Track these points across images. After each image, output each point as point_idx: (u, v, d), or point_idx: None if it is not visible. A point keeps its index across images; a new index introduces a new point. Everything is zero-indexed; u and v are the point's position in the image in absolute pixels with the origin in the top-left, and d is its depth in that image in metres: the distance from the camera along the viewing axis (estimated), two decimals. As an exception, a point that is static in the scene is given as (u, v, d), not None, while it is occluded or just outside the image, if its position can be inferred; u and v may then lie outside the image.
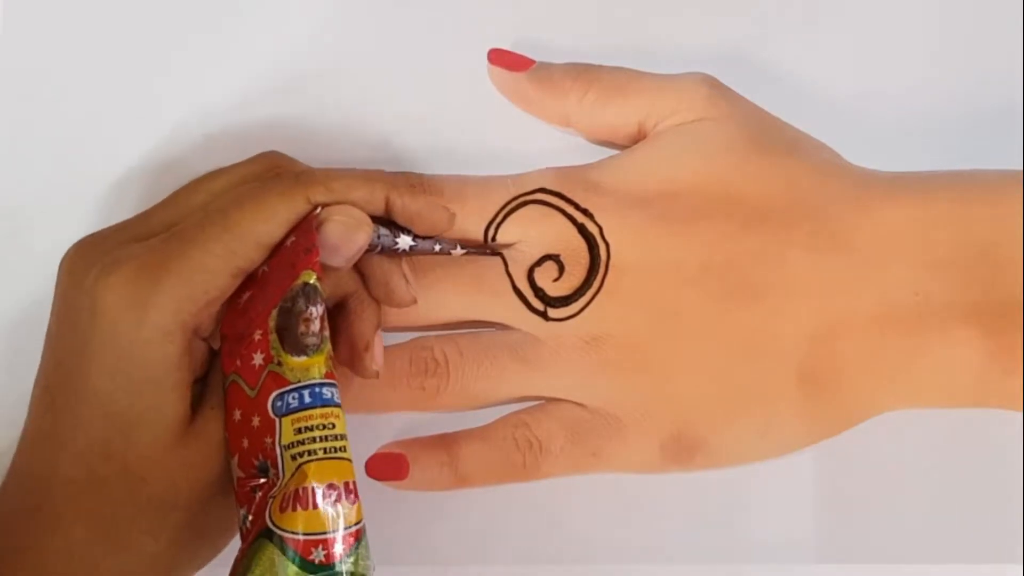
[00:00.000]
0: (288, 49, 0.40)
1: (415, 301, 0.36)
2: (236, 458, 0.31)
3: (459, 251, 0.36)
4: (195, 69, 0.40)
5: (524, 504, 0.37)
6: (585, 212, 0.36)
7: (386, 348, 0.36)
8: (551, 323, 0.36)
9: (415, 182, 0.36)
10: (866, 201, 0.35)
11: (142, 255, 0.31)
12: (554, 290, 0.36)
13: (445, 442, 0.36)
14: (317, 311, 0.31)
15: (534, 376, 0.36)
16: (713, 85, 0.37)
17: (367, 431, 0.37)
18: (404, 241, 0.35)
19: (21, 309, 0.38)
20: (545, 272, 0.36)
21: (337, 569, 0.30)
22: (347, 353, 0.35)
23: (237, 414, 0.32)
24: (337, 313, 0.35)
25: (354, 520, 0.30)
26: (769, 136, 0.37)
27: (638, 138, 0.37)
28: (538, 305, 0.36)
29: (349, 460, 0.31)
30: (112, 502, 0.31)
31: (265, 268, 0.33)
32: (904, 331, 0.34)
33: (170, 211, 0.34)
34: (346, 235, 0.33)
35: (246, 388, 0.31)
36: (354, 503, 0.30)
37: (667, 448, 0.36)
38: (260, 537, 0.30)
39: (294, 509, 0.30)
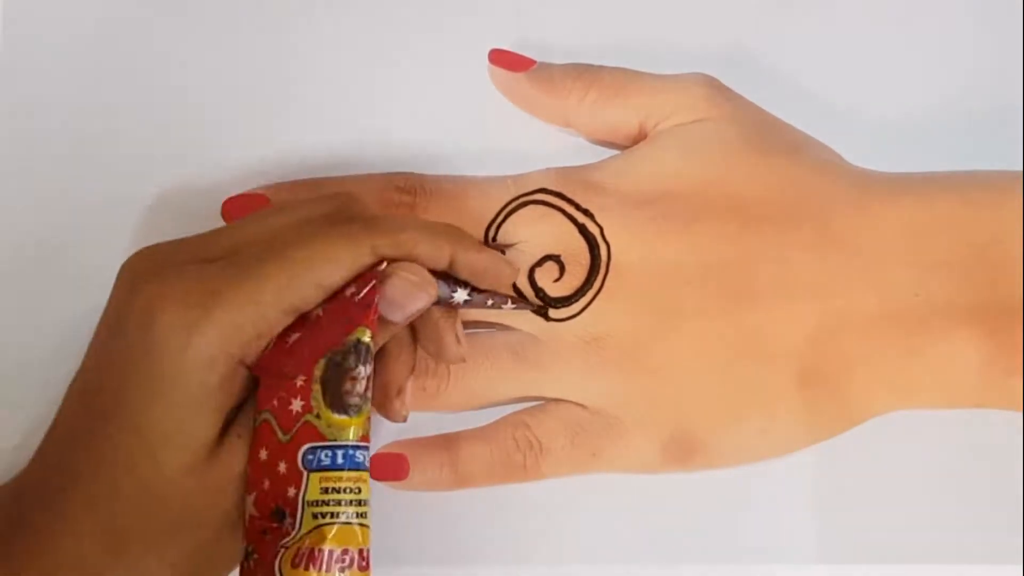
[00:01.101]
0: (288, 49, 0.40)
1: (464, 360, 0.35)
2: (253, 496, 0.31)
3: (510, 306, 0.35)
4: (194, 68, 0.40)
5: (524, 504, 0.37)
6: (586, 212, 0.36)
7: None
8: (552, 323, 0.36)
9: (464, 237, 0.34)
10: (866, 202, 0.35)
11: (197, 278, 0.31)
12: (555, 290, 0.36)
13: (446, 442, 0.36)
14: (365, 371, 0.30)
15: (535, 376, 0.36)
16: (713, 85, 0.37)
17: (367, 431, 0.37)
18: (460, 295, 0.34)
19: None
20: (546, 272, 0.36)
21: None
22: (379, 396, 0.34)
23: (263, 453, 0.31)
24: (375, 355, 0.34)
25: None
26: (770, 137, 0.37)
27: (638, 138, 0.37)
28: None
29: (368, 527, 0.30)
30: (127, 516, 0.30)
31: (319, 312, 0.31)
32: (904, 331, 0.34)
33: (234, 237, 0.33)
34: (409, 294, 0.32)
35: (278, 431, 0.31)
36: (364, 570, 0.30)
37: (667, 448, 0.36)
38: None
39: (306, 568, 0.29)
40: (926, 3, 0.40)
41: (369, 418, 0.31)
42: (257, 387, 0.32)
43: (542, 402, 0.37)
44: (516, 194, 0.37)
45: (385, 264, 0.32)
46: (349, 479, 0.30)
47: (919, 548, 0.37)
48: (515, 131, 0.39)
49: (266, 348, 0.31)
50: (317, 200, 0.34)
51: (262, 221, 0.33)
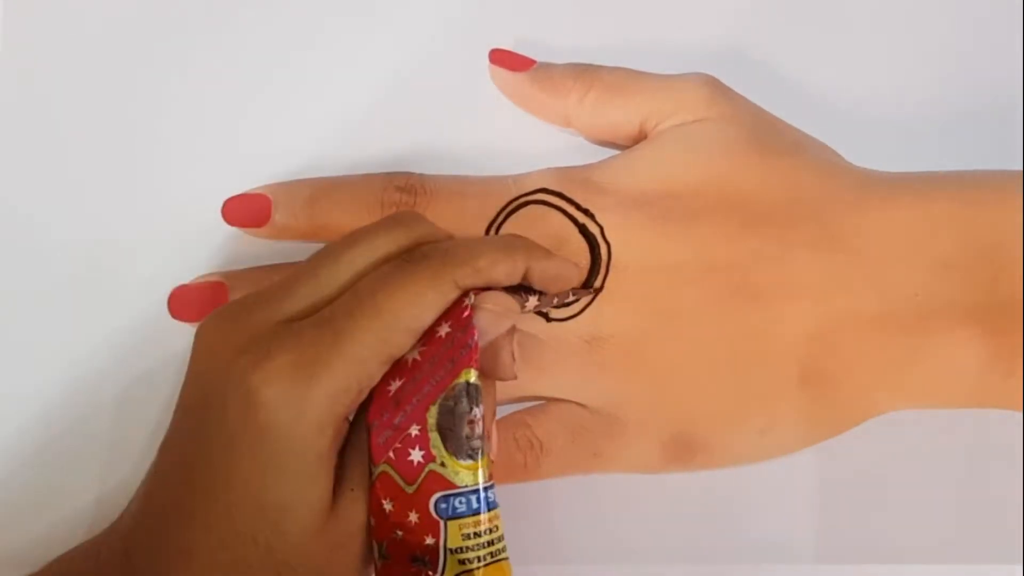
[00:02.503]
0: (287, 49, 0.40)
1: (516, 377, 0.34)
2: (384, 545, 0.31)
3: (571, 298, 0.35)
4: (194, 70, 0.40)
5: (524, 504, 0.37)
6: (586, 212, 0.36)
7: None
8: (552, 323, 0.36)
9: (538, 252, 0.34)
10: (867, 202, 0.35)
11: (296, 348, 0.30)
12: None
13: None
14: (479, 412, 0.31)
15: (535, 376, 0.36)
16: (714, 85, 0.37)
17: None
18: (531, 303, 0.34)
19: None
20: (546, 272, 0.36)
21: None
22: (488, 362, 0.33)
23: (388, 504, 0.31)
24: None
25: None
26: (770, 137, 0.37)
27: (639, 138, 0.37)
28: (540, 306, 0.36)
29: (507, 558, 0.31)
30: None
31: (416, 356, 0.31)
32: (905, 331, 0.34)
33: (313, 287, 0.32)
34: (496, 324, 0.32)
35: (401, 482, 0.31)
36: None
37: (668, 448, 0.36)
38: None
39: None
40: (927, 3, 0.40)
41: (491, 456, 0.31)
42: (368, 443, 0.32)
43: (542, 402, 0.36)
44: (516, 194, 0.37)
45: (471, 296, 0.32)
46: (487, 520, 0.31)
47: (919, 548, 0.37)
48: (515, 131, 0.39)
49: (368, 399, 0.32)
50: (384, 228, 0.33)
51: (336, 260, 0.32)
